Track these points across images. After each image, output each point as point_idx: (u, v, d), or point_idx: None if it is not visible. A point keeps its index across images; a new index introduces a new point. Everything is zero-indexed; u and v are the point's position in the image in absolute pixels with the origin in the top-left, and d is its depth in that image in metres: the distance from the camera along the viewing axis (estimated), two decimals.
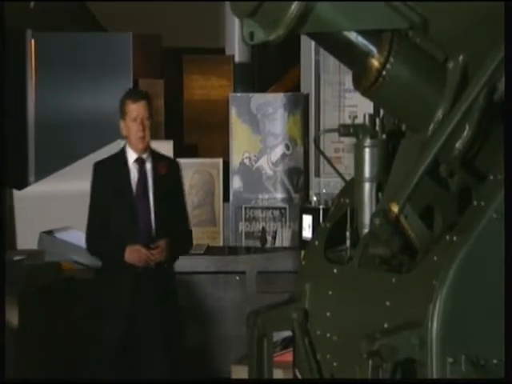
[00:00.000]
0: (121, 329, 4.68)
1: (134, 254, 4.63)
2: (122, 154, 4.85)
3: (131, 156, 4.79)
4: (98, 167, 4.89)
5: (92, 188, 4.85)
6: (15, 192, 6.37)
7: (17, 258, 5.49)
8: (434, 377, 2.40)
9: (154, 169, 4.80)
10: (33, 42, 7.04)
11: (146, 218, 4.76)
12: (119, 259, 4.66)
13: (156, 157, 4.87)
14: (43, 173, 6.64)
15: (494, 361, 2.44)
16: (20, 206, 6.35)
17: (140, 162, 4.78)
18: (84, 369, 4.99)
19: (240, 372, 4.39)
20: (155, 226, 4.76)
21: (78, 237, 5.60)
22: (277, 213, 6.41)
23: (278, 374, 2.99)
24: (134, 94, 5.01)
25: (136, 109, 4.72)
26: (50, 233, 5.83)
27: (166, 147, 5.87)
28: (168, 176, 4.84)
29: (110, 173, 4.85)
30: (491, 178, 2.55)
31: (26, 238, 6.04)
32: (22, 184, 6.59)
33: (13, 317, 4.79)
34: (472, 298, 2.44)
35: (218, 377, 5.31)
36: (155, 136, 6.65)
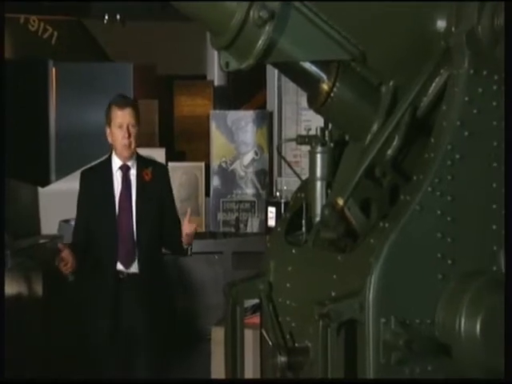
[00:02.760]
0: (106, 329, 3.98)
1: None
2: (107, 161, 4.03)
3: (116, 163, 3.98)
4: (85, 174, 4.11)
5: (78, 195, 4.09)
6: (39, 189, 6.34)
7: (41, 241, 5.47)
8: (370, 333, 2.39)
9: (139, 175, 3.96)
10: (54, 69, 7.03)
11: (128, 226, 3.92)
12: (101, 268, 3.93)
13: (142, 162, 4.03)
14: (62, 173, 6.62)
15: (417, 320, 2.43)
16: (43, 200, 6.32)
17: (125, 168, 3.96)
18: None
19: (218, 331, 4.36)
20: (137, 234, 3.93)
21: None
22: (248, 205, 6.41)
23: (248, 333, 2.97)
24: (121, 100, 4.05)
25: (122, 116, 3.91)
26: (67, 221, 5.80)
27: (159, 153, 5.89)
28: (154, 181, 3.99)
29: (95, 180, 4.03)
30: (415, 178, 2.54)
31: (49, 226, 6.01)
32: (45, 182, 6.56)
33: (38, 288, 4.74)
34: (400, 271, 2.44)
35: (200, 336, 5.14)
36: (151, 144, 6.66)
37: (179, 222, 4.02)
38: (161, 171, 4.13)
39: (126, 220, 3.92)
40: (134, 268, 3.99)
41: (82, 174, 4.11)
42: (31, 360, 4.52)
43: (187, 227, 3.91)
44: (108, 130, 3.99)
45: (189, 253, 3.98)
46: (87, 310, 4.08)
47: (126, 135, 3.89)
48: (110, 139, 3.99)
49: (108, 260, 3.97)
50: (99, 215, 3.97)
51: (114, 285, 3.95)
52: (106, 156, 4.08)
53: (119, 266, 3.98)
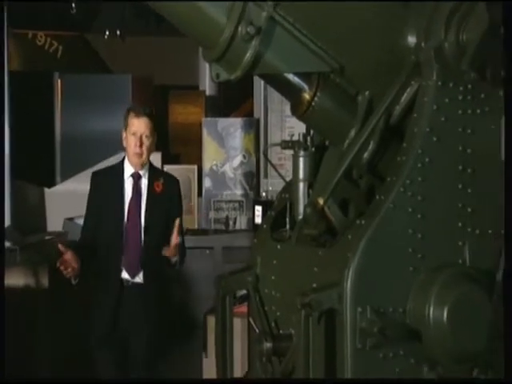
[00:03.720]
0: (105, 335, 3.64)
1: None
2: (119, 167, 3.65)
3: (128, 170, 3.60)
4: (96, 176, 3.71)
5: (88, 196, 3.69)
6: (46, 189, 6.30)
7: (47, 237, 5.43)
8: (348, 321, 2.39)
9: (150, 186, 3.58)
10: (59, 81, 7.01)
11: (135, 236, 3.55)
12: (105, 273, 3.58)
13: (154, 173, 3.64)
14: (66, 175, 6.61)
15: (390, 309, 2.44)
16: (49, 199, 6.28)
17: (136, 177, 3.58)
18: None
19: (210, 320, 4.33)
20: (144, 244, 3.57)
21: None
22: (236, 204, 6.39)
23: (236, 321, 2.96)
24: (138, 108, 3.67)
25: (136, 124, 3.55)
26: (71, 219, 5.77)
27: (156, 157, 5.83)
28: (164, 193, 3.60)
29: (106, 184, 3.64)
30: (388, 179, 2.54)
31: (54, 223, 5.98)
32: (51, 184, 6.53)
33: (45, 280, 4.70)
34: (375, 265, 2.44)
35: (193, 323, 5.08)
36: None
37: (182, 238, 3.63)
38: (172, 184, 3.70)
39: (133, 230, 3.54)
40: (139, 278, 3.64)
41: (94, 175, 3.72)
42: (38, 350, 4.47)
43: (176, 238, 3.51)
44: (124, 135, 3.62)
45: (177, 266, 3.59)
46: (90, 314, 3.74)
47: (138, 144, 3.53)
48: (124, 144, 3.62)
49: (113, 267, 3.63)
50: (107, 220, 3.59)
51: (118, 293, 3.59)
52: (119, 160, 3.69)
53: (124, 275, 3.63)
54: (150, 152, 3.57)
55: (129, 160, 3.60)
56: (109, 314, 3.59)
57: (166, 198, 3.60)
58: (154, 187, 3.56)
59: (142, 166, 3.57)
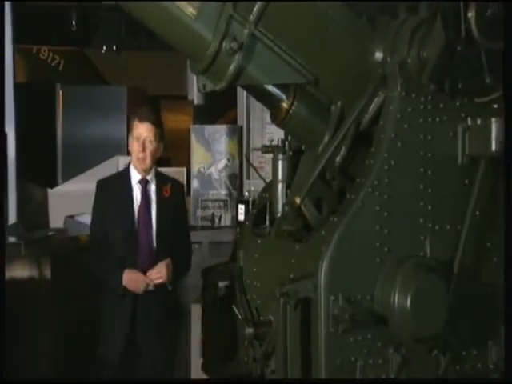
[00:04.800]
0: (119, 343, 3.19)
1: (131, 282, 3.07)
2: (126, 173, 3.27)
3: (135, 176, 3.22)
4: (101, 185, 3.31)
5: (94, 206, 3.29)
6: (48, 190, 6.25)
7: (50, 233, 5.38)
8: (322, 308, 2.38)
9: (159, 191, 3.21)
10: (61, 91, 6.98)
11: (148, 241, 3.16)
12: (118, 284, 3.12)
13: (161, 178, 3.27)
14: (67, 177, 6.57)
15: (359, 297, 2.44)
16: (51, 199, 6.23)
17: (144, 183, 3.20)
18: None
19: (197, 308, 4.30)
20: (156, 248, 3.18)
21: (90, 219, 5.50)
22: (221, 203, 6.38)
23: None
24: (143, 113, 3.26)
25: (140, 128, 3.18)
26: (71, 217, 5.72)
27: None
28: (172, 198, 3.24)
29: (113, 192, 3.25)
30: (358, 180, 2.54)
31: (56, 220, 5.93)
32: (53, 184, 6.48)
33: (48, 272, 4.65)
34: (346, 257, 2.44)
35: (181, 312, 5.00)
36: None
37: (189, 243, 3.31)
38: (178, 189, 3.33)
39: (145, 236, 3.14)
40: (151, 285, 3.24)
41: (100, 183, 3.31)
42: (39, 335, 4.41)
43: (158, 274, 3.15)
44: (130, 139, 3.26)
45: (169, 288, 3.18)
46: (103, 321, 3.28)
47: (141, 148, 3.14)
48: (129, 148, 3.26)
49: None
50: (118, 228, 3.17)
51: (133, 302, 3.13)
52: (124, 168, 3.32)
53: None
54: (154, 157, 3.18)
55: (133, 165, 3.23)
56: (125, 326, 3.13)
57: (174, 202, 3.25)
58: (162, 192, 3.19)
59: (148, 172, 3.19)
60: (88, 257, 3.20)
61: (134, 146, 3.20)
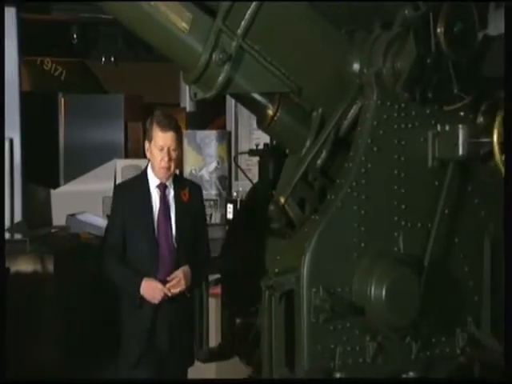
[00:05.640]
0: (138, 350, 2.70)
1: (149, 291, 2.63)
2: (143, 177, 2.82)
3: (153, 181, 2.78)
4: (119, 190, 2.89)
5: (112, 210, 2.84)
6: (51, 190, 6.20)
7: (53, 230, 5.33)
8: (304, 299, 2.37)
9: (177, 195, 2.77)
10: (62, 99, 6.93)
11: (168, 247, 2.70)
12: (136, 291, 2.65)
13: (179, 182, 2.82)
14: (68, 179, 6.53)
15: (339, 289, 2.44)
16: (54, 198, 6.18)
17: (162, 187, 2.76)
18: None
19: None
20: (176, 254, 2.69)
21: (90, 217, 5.46)
22: (212, 203, 6.36)
23: (211, 301, 2.94)
24: (164, 122, 2.76)
25: (163, 138, 2.72)
26: (73, 215, 5.67)
27: (144, 163, 5.75)
28: (191, 202, 2.79)
29: (132, 197, 2.78)
30: (338, 181, 2.54)
31: (58, 219, 5.88)
32: (55, 185, 6.43)
33: (51, 267, 4.60)
34: (326, 252, 2.44)
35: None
36: (138, 156, 6.57)
37: (207, 246, 2.81)
38: (196, 192, 2.85)
39: (165, 241, 2.71)
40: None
41: (118, 188, 2.94)
42: (42, 325, 4.36)
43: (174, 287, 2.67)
44: (147, 145, 2.79)
45: (188, 295, 2.72)
46: (121, 327, 2.79)
47: (166, 158, 2.71)
48: (148, 155, 2.80)
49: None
50: (137, 234, 2.74)
51: (154, 309, 2.67)
52: (142, 171, 2.87)
53: None
54: (177, 163, 2.79)
55: (154, 172, 2.78)
56: (145, 333, 2.69)
57: (193, 206, 2.81)
58: (181, 196, 2.78)
59: (168, 177, 2.77)
60: (105, 260, 2.75)
61: (157, 156, 2.74)
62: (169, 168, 2.74)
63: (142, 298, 2.66)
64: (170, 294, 2.62)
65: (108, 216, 2.86)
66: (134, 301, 2.66)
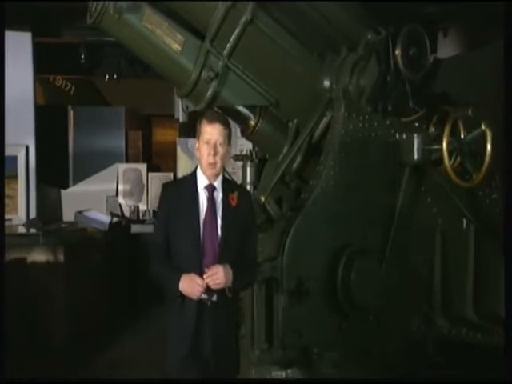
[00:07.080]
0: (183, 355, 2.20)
1: (188, 285, 2.15)
2: (192, 177, 2.31)
3: (202, 181, 2.27)
4: (167, 188, 2.36)
5: (159, 208, 2.34)
6: (62, 191, 6.14)
7: (63, 225, 5.25)
8: (284, 285, 2.36)
9: (225, 198, 2.24)
10: (72, 112, 6.86)
11: (213, 250, 2.20)
12: (175, 286, 2.16)
13: (228, 185, 2.28)
14: (77, 180, 6.47)
15: (312, 275, 2.42)
16: (64, 198, 6.11)
17: (211, 189, 2.24)
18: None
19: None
20: (220, 259, 2.15)
21: (95, 214, 5.41)
22: None
23: None
24: (212, 115, 2.29)
25: (210, 131, 2.22)
26: (80, 212, 5.60)
27: (143, 167, 5.75)
28: (239, 207, 2.25)
29: (179, 197, 2.28)
30: (311, 183, 2.54)
31: (68, 215, 5.81)
32: (65, 186, 6.36)
33: (61, 257, 4.53)
34: (301, 244, 2.43)
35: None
36: (137, 160, 6.52)
37: (255, 256, 2.30)
38: (246, 197, 2.31)
39: (211, 245, 2.23)
40: (215, 296, 2.22)
41: (166, 186, 2.39)
42: (54, 310, 4.27)
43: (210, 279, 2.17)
44: (197, 144, 2.28)
45: (229, 295, 2.19)
46: (167, 338, 2.28)
47: (212, 152, 2.20)
48: (197, 154, 2.29)
49: None
50: (183, 236, 2.25)
51: (197, 315, 2.19)
52: (192, 171, 2.34)
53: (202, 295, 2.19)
54: (224, 162, 2.27)
55: (202, 171, 2.28)
56: (189, 338, 2.21)
57: (241, 213, 2.28)
58: (229, 200, 2.27)
59: (216, 177, 2.25)
60: (151, 260, 2.30)
61: (204, 151, 2.24)
62: (214, 164, 2.22)
63: (183, 295, 2.18)
64: (206, 287, 2.10)
65: (157, 215, 2.38)
66: (176, 299, 2.18)
